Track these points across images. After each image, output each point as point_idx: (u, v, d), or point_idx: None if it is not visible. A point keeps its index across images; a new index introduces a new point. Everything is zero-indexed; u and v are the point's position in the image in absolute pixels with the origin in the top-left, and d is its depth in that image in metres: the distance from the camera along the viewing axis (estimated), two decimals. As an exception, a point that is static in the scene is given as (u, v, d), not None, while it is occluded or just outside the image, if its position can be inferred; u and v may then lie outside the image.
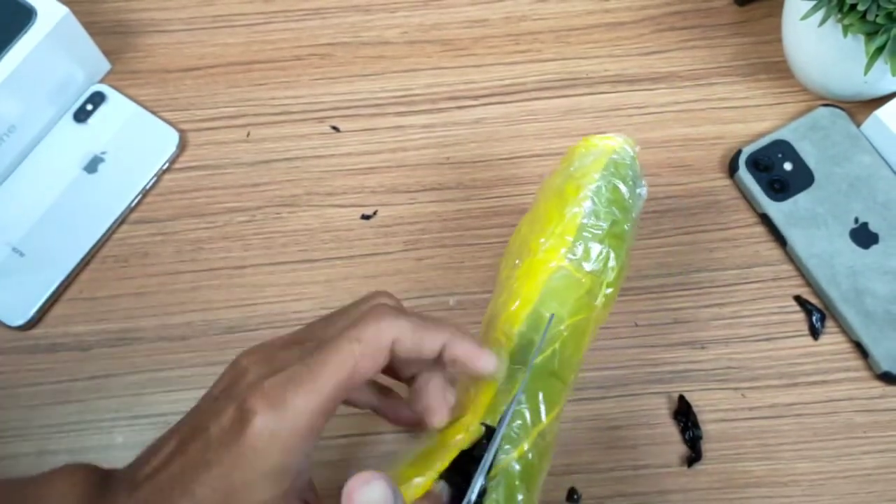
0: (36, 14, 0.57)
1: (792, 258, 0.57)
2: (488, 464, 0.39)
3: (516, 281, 0.45)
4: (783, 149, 0.58)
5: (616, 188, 0.46)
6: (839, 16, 0.53)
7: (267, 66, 0.64)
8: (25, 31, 0.56)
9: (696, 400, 0.53)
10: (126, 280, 0.57)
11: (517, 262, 0.46)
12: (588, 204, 0.45)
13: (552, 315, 0.43)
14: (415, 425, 0.43)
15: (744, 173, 0.58)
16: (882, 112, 0.57)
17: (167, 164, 0.60)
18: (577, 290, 0.44)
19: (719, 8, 0.65)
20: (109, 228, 0.58)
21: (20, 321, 0.55)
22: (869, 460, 0.52)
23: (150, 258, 0.58)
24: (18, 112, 0.58)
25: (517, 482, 0.40)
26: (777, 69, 0.62)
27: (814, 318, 0.55)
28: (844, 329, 0.55)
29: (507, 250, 0.49)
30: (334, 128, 0.62)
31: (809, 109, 0.60)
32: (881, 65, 0.52)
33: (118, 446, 0.53)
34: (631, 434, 0.53)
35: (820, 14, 0.53)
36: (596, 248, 0.45)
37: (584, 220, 0.45)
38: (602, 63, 0.63)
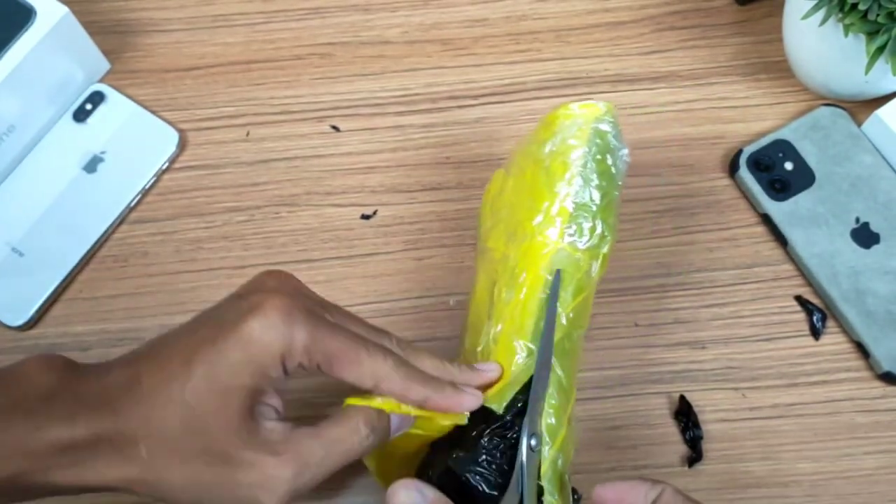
0: (35, 13, 0.56)
1: (793, 258, 0.57)
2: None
3: (517, 266, 0.46)
4: (784, 148, 0.58)
5: (602, 160, 0.46)
6: (840, 15, 0.52)
7: (267, 66, 0.63)
8: (25, 31, 0.56)
9: (696, 400, 0.53)
10: (126, 280, 0.57)
11: (510, 237, 0.47)
12: (578, 181, 0.45)
13: (554, 299, 0.44)
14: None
15: (744, 173, 0.58)
16: (883, 112, 0.57)
17: (167, 164, 0.60)
18: (577, 271, 0.45)
19: (720, 7, 0.65)
20: (109, 228, 0.58)
21: (20, 321, 0.55)
22: (870, 461, 0.52)
23: (149, 258, 0.58)
24: (18, 111, 0.58)
25: (566, 476, 0.42)
26: (778, 69, 0.62)
27: (814, 318, 0.55)
28: (845, 329, 0.55)
29: (490, 207, 0.50)
30: (334, 127, 0.61)
31: (810, 109, 0.60)
32: (882, 64, 0.52)
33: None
34: (631, 434, 0.53)
35: (821, 13, 0.53)
36: (590, 224, 0.45)
37: (576, 199, 0.45)
38: (602, 62, 0.63)
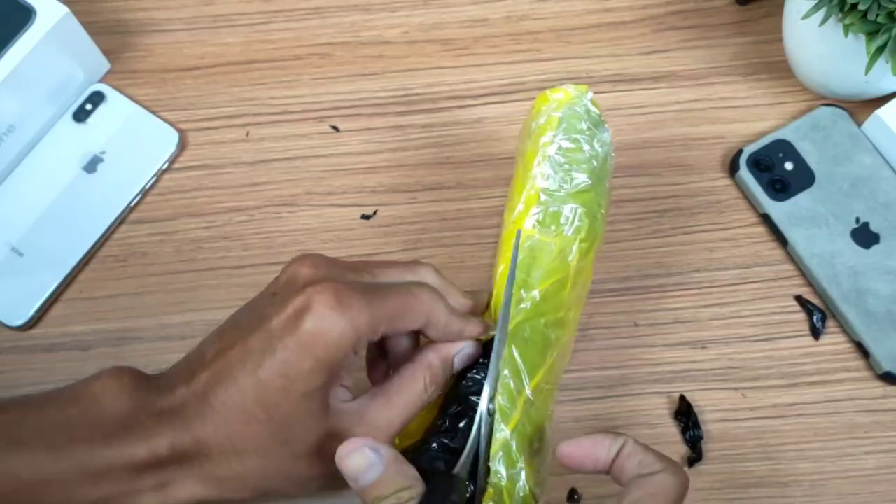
0: (35, 13, 0.56)
1: (793, 258, 0.57)
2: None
3: (499, 256, 0.46)
4: (784, 148, 0.58)
5: (575, 145, 0.46)
6: (840, 15, 0.52)
7: (267, 66, 0.63)
8: (25, 31, 0.56)
9: (696, 400, 0.53)
10: (125, 280, 0.57)
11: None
12: (546, 166, 0.46)
13: (510, 280, 0.44)
14: None
15: (744, 173, 0.58)
16: (883, 111, 0.57)
17: (167, 164, 0.60)
18: (547, 253, 0.45)
19: (720, 7, 0.65)
20: (109, 228, 0.58)
21: (19, 321, 0.55)
22: (870, 461, 0.52)
23: (149, 258, 0.58)
24: (18, 111, 0.58)
25: (514, 454, 0.41)
26: (778, 69, 0.62)
27: (815, 318, 0.55)
28: (845, 329, 0.55)
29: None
30: (334, 127, 0.61)
31: (810, 109, 0.60)
32: (882, 64, 0.52)
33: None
34: (631, 434, 0.53)
35: (821, 14, 0.53)
36: (558, 208, 0.45)
37: (543, 184, 0.45)
38: (602, 62, 0.63)
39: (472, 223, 0.58)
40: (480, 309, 0.46)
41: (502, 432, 0.41)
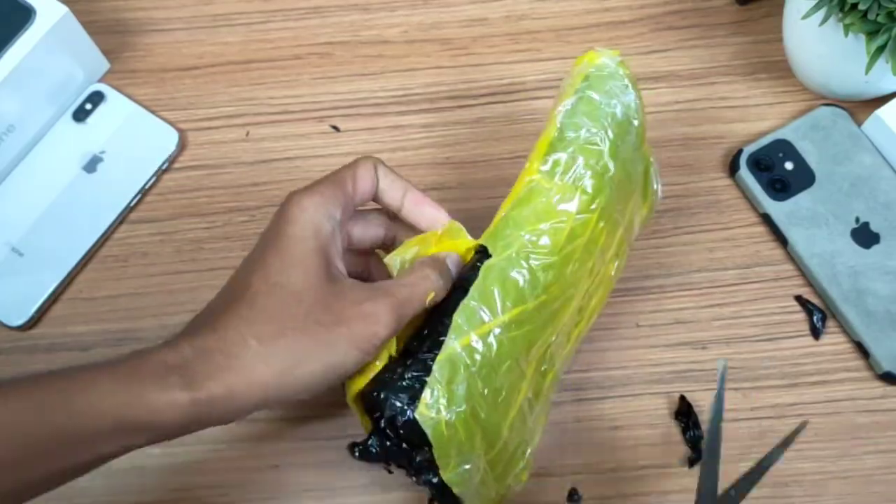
0: (35, 13, 0.56)
1: (793, 258, 0.57)
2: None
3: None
4: (784, 148, 0.58)
5: (589, 100, 0.47)
6: (840, 15, 0.52)
7: (266, 66, 0.63)
8: (24, 31, 0.56)
9: (697, 400, 0.53)
10: (126, 280, 0.57)
11: None
12: (560, 120, 0.46)
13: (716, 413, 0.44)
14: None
15: (745, 173, 0.58)
16: (883, 111, 0.57)
17: (166, 164, 0.60)
18: (544, 196, 0.45)
19: (719, 7, 0.65)
20: (109, 228, 0.58)
21: (20, 321, 0.55)
22: (870, 460, 0.52)
23: (149, 258, 0.58)
24: (17, 111, 0.58)
25: (462, 369, 0.42)
26: (778, 68, 0.62)
27: (815, 318, 0.55)
28: (845, 329, 0.55)
29: None
30: (334, 127, 0.61)
31: (810, 109, 0.60)
32: (882, 64, 0.52)
33: (118, 447, 0.53)
34: (632, 434, 0.53)
35: (821, 13, 0.53)
36: (559, 157, 0.46)
37: (555, 135, 0.46)
38: (602, 62, 0.63)
39: (471, 223, 0.58)
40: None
41: (452, 342, 0.42)
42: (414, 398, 0.41)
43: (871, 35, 0.52)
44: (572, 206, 0.45)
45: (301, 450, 0.53)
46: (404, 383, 0.42)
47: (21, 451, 0.36)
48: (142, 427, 0.38)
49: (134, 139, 0.60)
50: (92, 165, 0.59)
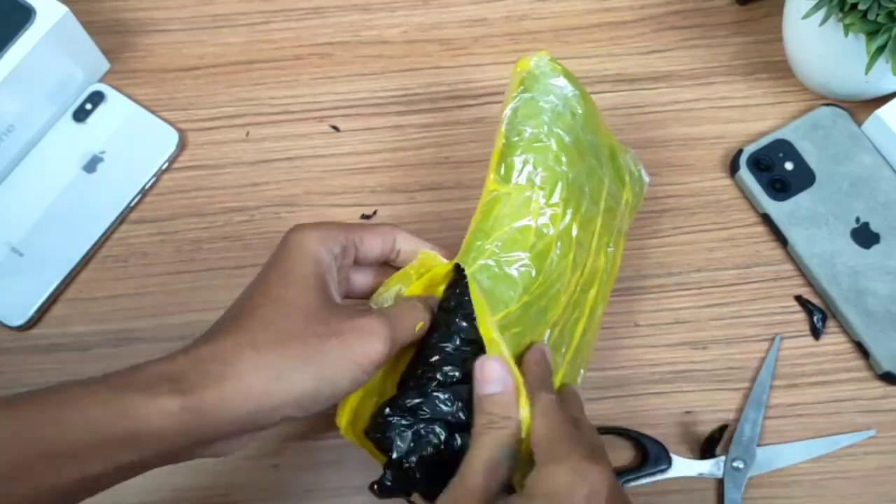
0: (35, 13, 0.56)
1: (793, 258, 0.57)
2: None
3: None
4: (784, 148, 0.58)
5: (527, 102, 0.48)
6: (840, 15, 0.52)
7: (266, 66, 0.63)
8: (25, 31, 0.56)
9: (696, 400, 0.53)
10: (125, 280, 0.57)
11: None
12: (504, 128, 0.48)
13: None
14: None
15: (744, 173, 0.58)
16: (883, 111, 0.57)
17: (166, 164, 0.60)
18: (503, 202, 0.46)
19: (720, 7, 0.64)
20: (109, 228, 0.58)
21: (20, 321, 0.55)
22: (871, 460, 0.52)
23: (149, 258, 0.58)
24: (17, 111, 0.58)
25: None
26: (778, 68, 0.62)
27: (815, 319, 0.55)
28: (846, 329, 0.55)
29: None
30: (334, 127, 0.61)
31: (810, 109, 0.60)
32: (882, 64, 0.52)
33: (117, 447, 0.53)
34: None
35: (821, 13, 0.53)
36: (513, 160, 0.46)
37: (503, 143, 0.47)
38: (602, 62, 0.63)
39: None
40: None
41: None
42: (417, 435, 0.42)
43: (871, 35, 0.51)
44: (532, 203, 0.46)
45: (301, 450, 0.53)
46: (405, 422, 0.42)
47: (5, 465, 0.35)
48: (129, 438, 0.37)
49: (134, 139, 0.60)
50: (92, 165, 0.59)
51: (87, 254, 0.57)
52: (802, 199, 0.57)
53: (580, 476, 0.38)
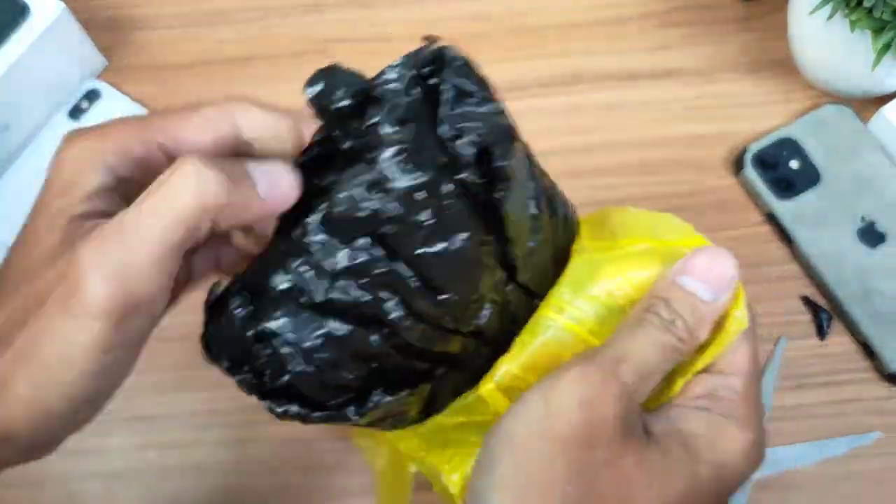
0: (30, 10, 0.56)
1: (798, 258, 0.56)
2: None
3: None
4: (789, 147, 0.58)
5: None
6: (846, 11, 0.52)
7: (265, 63, 0.63)
8: (20, 28, 0.55)
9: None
10: (122, 280, 0.57)
11: None
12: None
13: None
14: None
15: (749, 171, 0.57)
16: (889, 109, 0.57)
17: (164, 163, 0.59)
18: None
19: (725, 4, 0.64)
20: (105, 228, 0.57)
21: (15, 322, 0.55)
22: (877, 462, 0.52)
23: (146, 258, 0.57)
24: (12, 110, 0.57)
25: None
26: (783, 66, 0.61)
27: (821, 319, 0.54)
28: (852, 329, 0.54)
29: None
30: (334, 125, 0.61)
31: (816, 107, 0.59)
32: (888, 61, 0.52)
33: (114, 449, 0.52)
34: (635, 436, 0.52)
35: (827, 10, 0.53)
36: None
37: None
38: (605, 59, 0.62)
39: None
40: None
41: None
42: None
43: (878, 32, 0.51)
44: None
45: (301, 450, 0.53)
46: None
47: None
48: None
49: (131, 137, 0.60)
50: (88, 164, 0.59)
51: (83, 253, 0.57)
52: (808, 198, 0.56)
53: (757, 456, 0.31)
